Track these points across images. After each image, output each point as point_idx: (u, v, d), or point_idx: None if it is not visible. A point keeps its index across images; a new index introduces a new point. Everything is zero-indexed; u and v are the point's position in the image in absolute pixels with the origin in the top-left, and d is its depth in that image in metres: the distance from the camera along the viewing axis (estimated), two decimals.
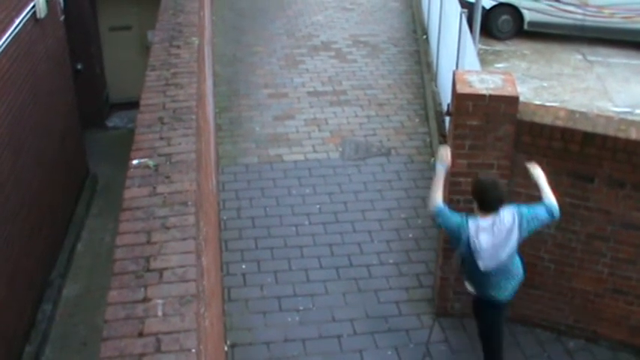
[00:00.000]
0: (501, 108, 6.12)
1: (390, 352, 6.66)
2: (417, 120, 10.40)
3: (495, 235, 5.50)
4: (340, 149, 9.66)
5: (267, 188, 8.84)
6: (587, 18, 13.42)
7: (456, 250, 5.82)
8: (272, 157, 9.43)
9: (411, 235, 8.16)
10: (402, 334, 6.87)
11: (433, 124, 10.04)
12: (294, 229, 8.15)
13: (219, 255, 6.15)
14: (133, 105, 10.73)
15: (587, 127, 6.09)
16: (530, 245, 6.61)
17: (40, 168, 9.09)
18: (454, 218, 5.62)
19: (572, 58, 13.28)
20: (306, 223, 8.21)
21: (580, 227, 6.37)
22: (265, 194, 8.74)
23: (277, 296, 7.27)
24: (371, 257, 7.83)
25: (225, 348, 6.49)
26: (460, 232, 5.55)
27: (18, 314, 8.03)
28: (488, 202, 5.55)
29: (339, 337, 6.82)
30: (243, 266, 7.63)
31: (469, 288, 5.94)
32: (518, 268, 5.78)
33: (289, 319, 6.98)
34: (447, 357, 6.63)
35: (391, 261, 7.79)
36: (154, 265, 3.17)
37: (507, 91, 6.18)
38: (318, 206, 8.50)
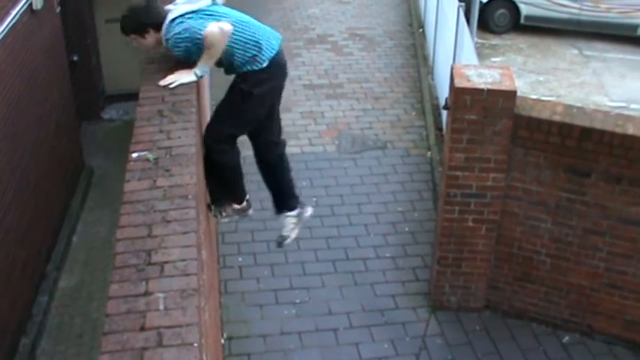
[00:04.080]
0: (499, 102, 6.14)
1: (386, 345, 6.69)
2: (413, 113, 10.41)
3: None
4: (336, 142, 9.66)
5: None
6: (584, 12, 13.43)
7: None
8: None
9: (407, 229, 8.18)
10: (399, 327, 6.91)
11: (429, 117, 10.06)
12: None
13: (216, 247, 6.17)
14: (129, 97, 10.76)
15: (585, 122, 6.10)
16: (527, 239, 6.65)
17: (36, 160, 9.06)
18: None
19: (568, 52, 13.29)
20: None
21: (576, 222, 6.40)
22: (261, 187, 8.63)
23: (274, 289, 7.29)
24: (367, 251, 7.85)
25: (222, 341, 6.50)
26: None
27: (13, 306, 8.02)
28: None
29: (335, 330, 6.85)
30: (240, 259, 7.64)
31: None
32: None
33: (285, 312, 7.00)
34: (443, 350, 6.66)
35: (387, 254, 7.81)
36: (155, 258, 3.16)
37: (505, 85, 6.19)
38: (314, 199, 8.49)
